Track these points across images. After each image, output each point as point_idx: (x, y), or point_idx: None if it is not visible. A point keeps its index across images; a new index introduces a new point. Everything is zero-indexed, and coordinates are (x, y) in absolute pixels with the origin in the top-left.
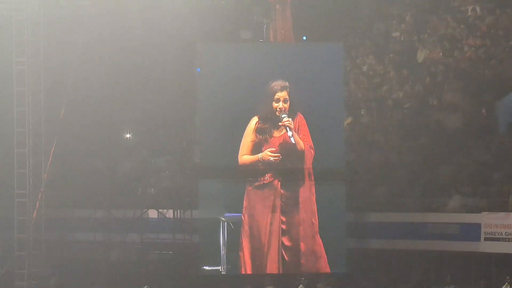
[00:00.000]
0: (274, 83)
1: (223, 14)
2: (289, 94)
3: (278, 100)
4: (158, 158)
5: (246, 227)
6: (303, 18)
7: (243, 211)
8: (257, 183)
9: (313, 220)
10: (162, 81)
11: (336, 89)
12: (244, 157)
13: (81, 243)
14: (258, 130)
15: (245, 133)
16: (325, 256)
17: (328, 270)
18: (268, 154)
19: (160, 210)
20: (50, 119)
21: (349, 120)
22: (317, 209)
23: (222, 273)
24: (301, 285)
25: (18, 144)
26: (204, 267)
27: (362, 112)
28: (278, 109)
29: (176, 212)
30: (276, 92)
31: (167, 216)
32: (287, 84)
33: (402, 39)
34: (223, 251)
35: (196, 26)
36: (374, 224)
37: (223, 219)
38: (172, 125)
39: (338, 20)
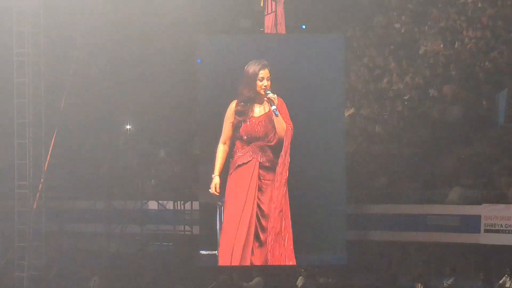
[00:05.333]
0: (254, 63)
1: (222, 3)
2: (270, 72)
3: (262, 79)
4: (158, 150)
5: (227, 210)
6: (303, 9)
7: (225, 194)
8: (238, 164)
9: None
10: (163, 72)
11: (336, 81)
12: (218, 148)
13: (81, 234)
14: (237, 113)
15: (225, 117)
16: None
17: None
18: (212, 188)
19: (160, 202)
20: (50, 110)
21: (349, 111)
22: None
23: (219, 258)
24: (300, 277)
25: (18, 135)
26: (201, 252)
27: (363, 104)
28: (263, 87)
29: (176, 203)
30: (260, 71)
31: (167, 207)
32: (266, 62)
33: (402, 31)
34: (219, 235)
35: (195, 16)
36: (374, 216)
37: (219, 203)
38: (172, 117)
39: (338, 11)
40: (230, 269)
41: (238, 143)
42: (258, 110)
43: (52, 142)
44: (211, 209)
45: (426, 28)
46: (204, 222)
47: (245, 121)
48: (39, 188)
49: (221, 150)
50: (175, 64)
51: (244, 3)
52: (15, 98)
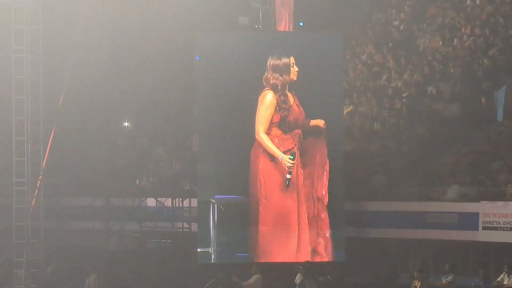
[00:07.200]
0: (278, 55)
1: (220, 1)
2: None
3: (293, 65)
4: (156, 147)
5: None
6: (302, 6)
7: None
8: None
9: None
10: (161, 69)
11: (335, 78)
12: (263, 137)
13: (79, 231)
14: (281, 102)
15: (262, 107)
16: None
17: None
18: (287, 160)
19: (158, 199)
20: (48, 108)
21: (348, 109)
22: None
23: (212, 255)
24: (299, 274)
25: (16, 132)
26: (199, 249)
27: (361, 101)
28: (295, 72)
29: (174, 200)
30: (290, 57)
31: (165, 204)
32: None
33: (401, 28)
34: (213, 233)
35: (194, 14)
36: (373, 213)
37: (213, 201)
38: (171, 114)
39: (337, 8)
40: (229, 266)
41: (275, 132)
42: (291, 99)
43: (51, 139)
44: (209, 206)
45: (425, 25)
46: (202, 219)
47: (288, 109)
48: (37, 185)
49: (268, 138)
50: (174, 61)
51: (241, 0)
52: (13, 95)
